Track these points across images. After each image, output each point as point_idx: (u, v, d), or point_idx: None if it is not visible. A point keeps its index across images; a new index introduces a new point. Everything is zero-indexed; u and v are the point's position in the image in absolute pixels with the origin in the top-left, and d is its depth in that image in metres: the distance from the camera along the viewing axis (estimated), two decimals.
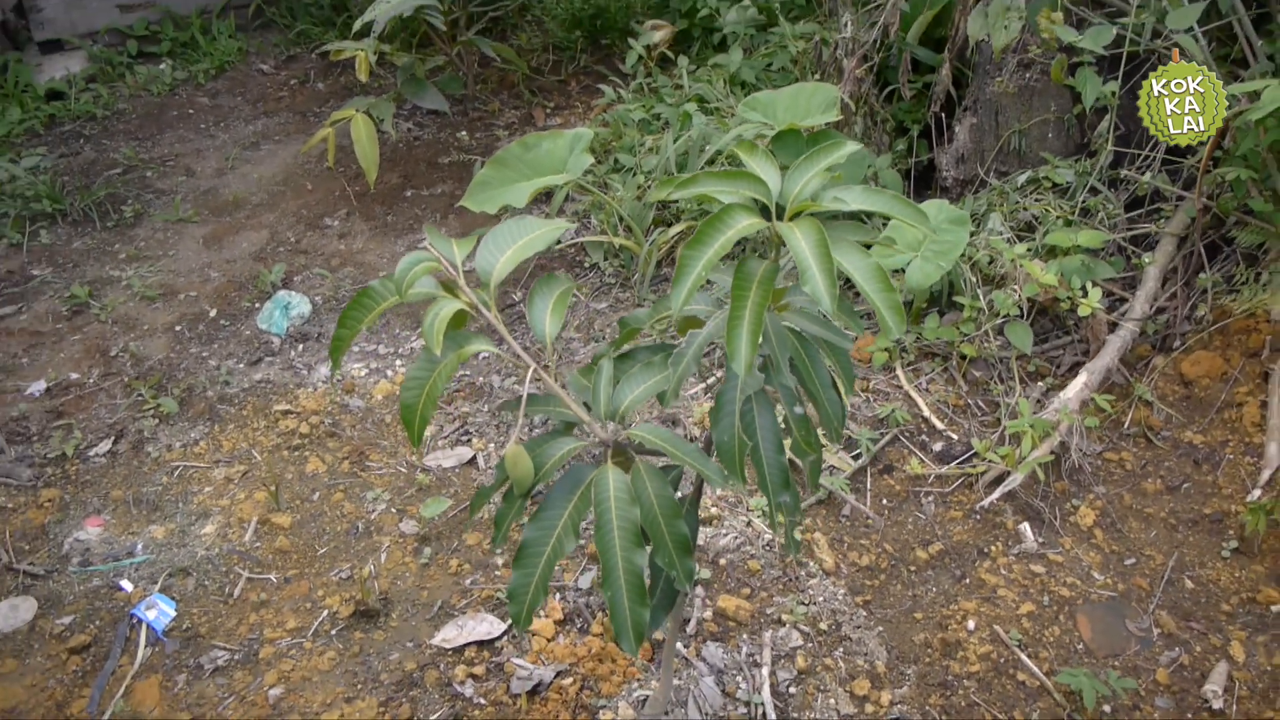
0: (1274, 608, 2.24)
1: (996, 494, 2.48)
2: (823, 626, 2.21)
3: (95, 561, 2.34)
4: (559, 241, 3.59)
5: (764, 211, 1.24)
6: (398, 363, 3.08)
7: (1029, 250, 2.75)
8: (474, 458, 2.69)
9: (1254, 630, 2.20)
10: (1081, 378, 2.59)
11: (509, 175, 3.15)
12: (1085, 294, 2.59)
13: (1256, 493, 2.49)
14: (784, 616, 2.22)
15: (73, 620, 2.19)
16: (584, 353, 3.11)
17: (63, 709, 2.00)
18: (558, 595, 2.26)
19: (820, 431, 1.42)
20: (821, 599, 2.28)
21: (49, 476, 2.60)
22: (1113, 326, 2.76)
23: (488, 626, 2.16)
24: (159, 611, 2.17)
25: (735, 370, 1.15)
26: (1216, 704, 2.03)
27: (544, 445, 1.30)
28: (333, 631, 2.16)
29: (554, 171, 3.14)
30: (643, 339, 2.70)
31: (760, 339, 1.16)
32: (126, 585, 2.26)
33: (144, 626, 2.15)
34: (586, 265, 3.51)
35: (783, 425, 1.36)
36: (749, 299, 1.18)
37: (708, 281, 1.24)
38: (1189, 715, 2.04)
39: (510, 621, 2.14)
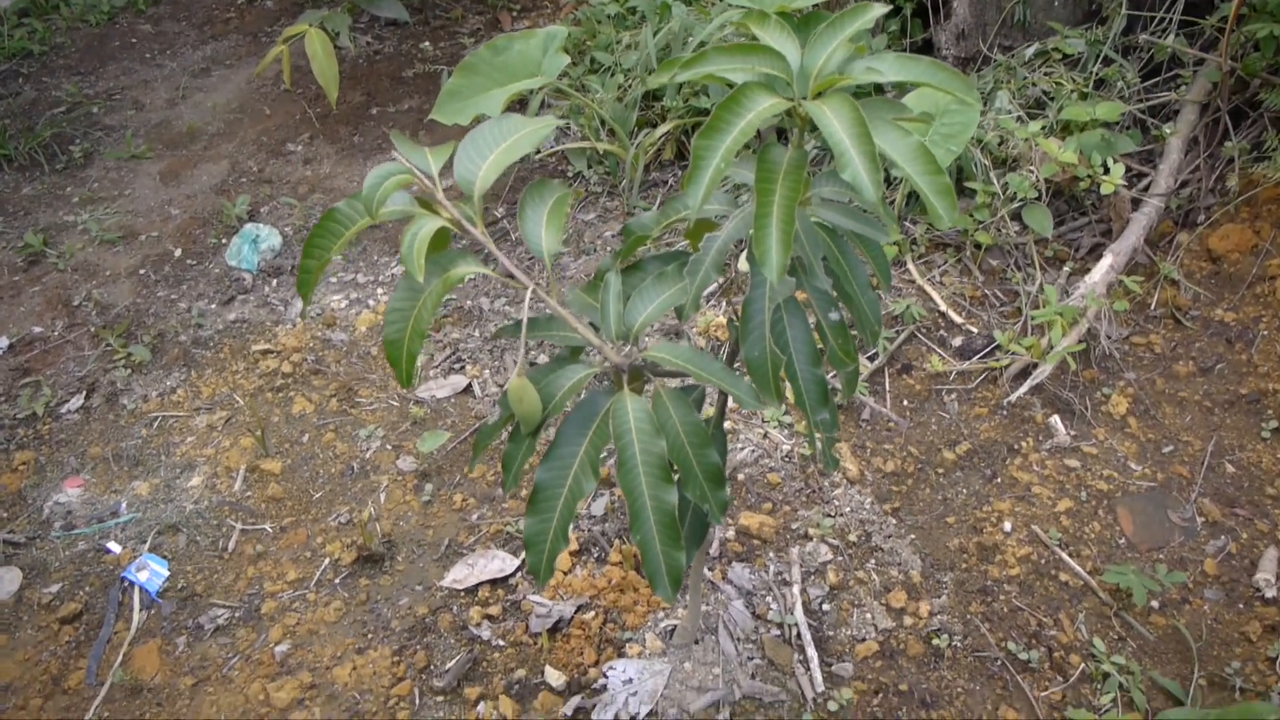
0: None
1: (1024, 388, 2.35)
2: (852, 538, 2.10)
3: (79, 524, 2.20)
4: (538, 151, 3.39)
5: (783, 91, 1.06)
6: (379, 291, 2.91)
7: (1043, 128, 2.56)
8: (469, 386, 2.55)
9: None
10: (1106, 260, 2.44)
11: (480, 83, 2.91)
12: (1106, 171, 2.42)
13: None
14: (810, 530, 2.11)
15: (61, 588, 2.07)
16: (576, 269, 2.94)
17: (59, 682, 1.89)
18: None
19: (855, 336, 1.27)
20: (848, 509, 2.17)
21: (20, 438, 2.44)
22: (1135, 204, 2.59)
23: (499, 564, 2.05)
24: (151, 572, 2.04)
25: (766, 275, 0.99)
26: (1269, 592, 1.94)
27: (550, 374, 1.15)
28: (336, 580, 2.04)
29: (528, 75, 2.90)
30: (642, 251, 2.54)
31: (792, 234, 1.00)
32: (114, 547, 2.13)
33: (136, 589, 2.03)
34: (570, 175, 3.31)
35: (814, 333, 1.21)
36: (776, 192, 1.02)
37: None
38: (1240, 605, 1.95)
39: (524, 556, 2.03)
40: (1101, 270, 2.41)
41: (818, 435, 1.23)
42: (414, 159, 1.11)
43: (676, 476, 1.13)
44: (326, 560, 2.08)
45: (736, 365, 1.25)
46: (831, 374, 2.29)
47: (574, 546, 2.09)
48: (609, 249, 2.98)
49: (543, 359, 2.61)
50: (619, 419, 1.10)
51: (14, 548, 2.15)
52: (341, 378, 2.59)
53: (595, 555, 2.08)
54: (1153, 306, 2.57)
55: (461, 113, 2.91)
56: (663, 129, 3.13)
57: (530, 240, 1.13)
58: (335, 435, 2.42)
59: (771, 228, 1.00)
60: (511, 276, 1.12)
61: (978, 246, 2.68)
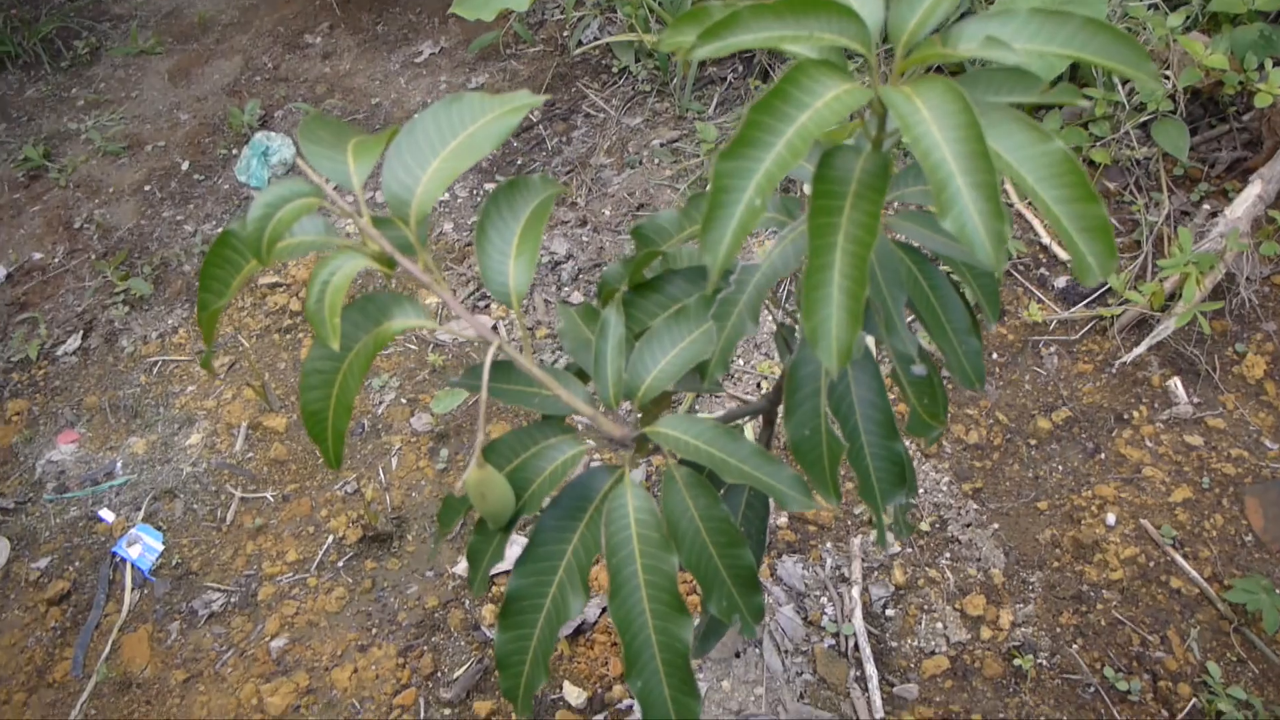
0: None
1: (1143, 346, 1.98)
2: (924, 526, 1.81)
3: (72, 486, 2.03)
4: (579, 44, 2.99)
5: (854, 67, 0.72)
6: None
7: (1186, 20, 2.09)
8: (495, 327, 2.28)
9: None
10: (1253, 188, 2.01)
11: None
12: (1264, 76, 1.96)
13: None
14: None
15: (50, 562, 1.91)
16: (618, 185, 2.60)
17: (44, 674, 1.75)
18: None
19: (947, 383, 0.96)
20: (922, 490, 1.87)
21: (15, 385, 2.26)
22: None
23: (518, 549, 1.82)
24: (143, 547, 1.87)
25: (823, 361, 0.68)
26: None
27: (528, 450, 0.87)
28: (340, 563, 1.84)
29: None
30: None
31: (864, 298, 0.68)
32: (107, 515, 1.96)
33: (128, 566, 1.86)
34: (615, 71, 2.91)
35: (890, 389, 0.90)
36: (841, 229, 0.69)
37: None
38: None
39: None
40: (1246, 202, 1.99)
41: (887, 518, 0.93)
42: (326, 167, 0.80)
43: (685, 583, 0.86)
44: (330, 538, 1.88)
45: (775, 433, 0.95)
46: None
47: None
48: (657, 162, 2.62)
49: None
50: (614, 523, 0.82)
51: (3, 514, 2.00)
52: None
53: None
54: (1248, 237, 2.14)
55: (484, 7, 2.53)
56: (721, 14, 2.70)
57: (490, 274, 0.82)
58: None
59: (832, 286, 0.68)
60: (474, 333, 0.82)
61: (1092, 165, 2.25)
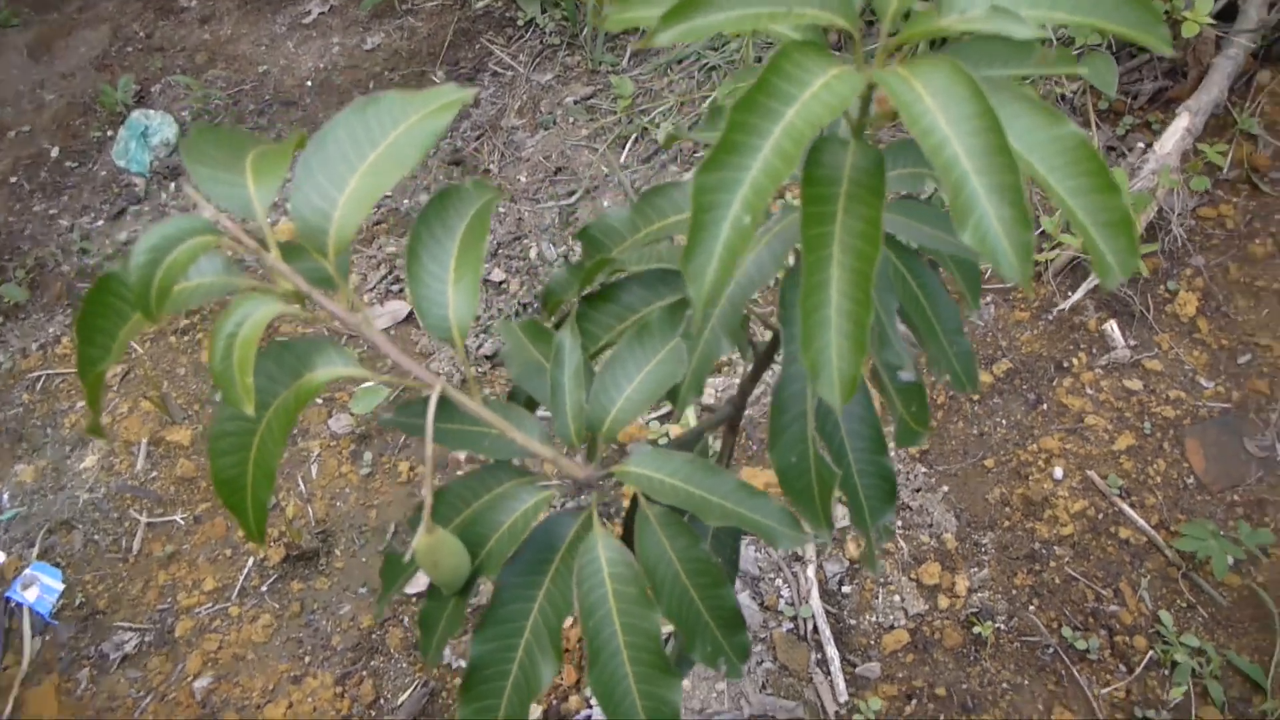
0: None
1: (1080, 293, 1.96)
2: None
3: None
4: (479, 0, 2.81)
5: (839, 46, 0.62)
6: None
7: None
8: (411, 314, 2.14)
9: None
10: (1181, 121, 1.99)
11: None
12: (1190, 4, 1.93)
13: None
14: None
15: None
16: (532, 148, 2.46)
17: None
18: None
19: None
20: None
21: None
22: (1216, 45, 2.11)
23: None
24: (41, 587, 1.71)
25: (824, 396, 0.59)
26: None
27: (480, 497, 0.76)
28: (263, 588, 1.71)
29: None
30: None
31: (869, 322, 0.59)
32: None
33: (26, 611, 1.70)
34: (520, 24, 2.75)
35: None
36: (834, 239, 0.60)
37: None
38: None
39: None
40: (1175, 135, 1.97)
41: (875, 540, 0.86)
42: (223, 194, 0.67)
43: (668, 634, 0.77)
44: (250, 561, 1.74)
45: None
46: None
47: None
48: (572, 121, 2.49)
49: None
50: (587, 581, 0.73)
51: None
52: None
53: None
54: (1225, 169, 2.14)
55: None
56: None
57: (425, 305, 0.70)
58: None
59: (829, 309, 0.59)
60: (407, 373, 0.71)
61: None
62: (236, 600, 1.69)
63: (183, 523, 1.81)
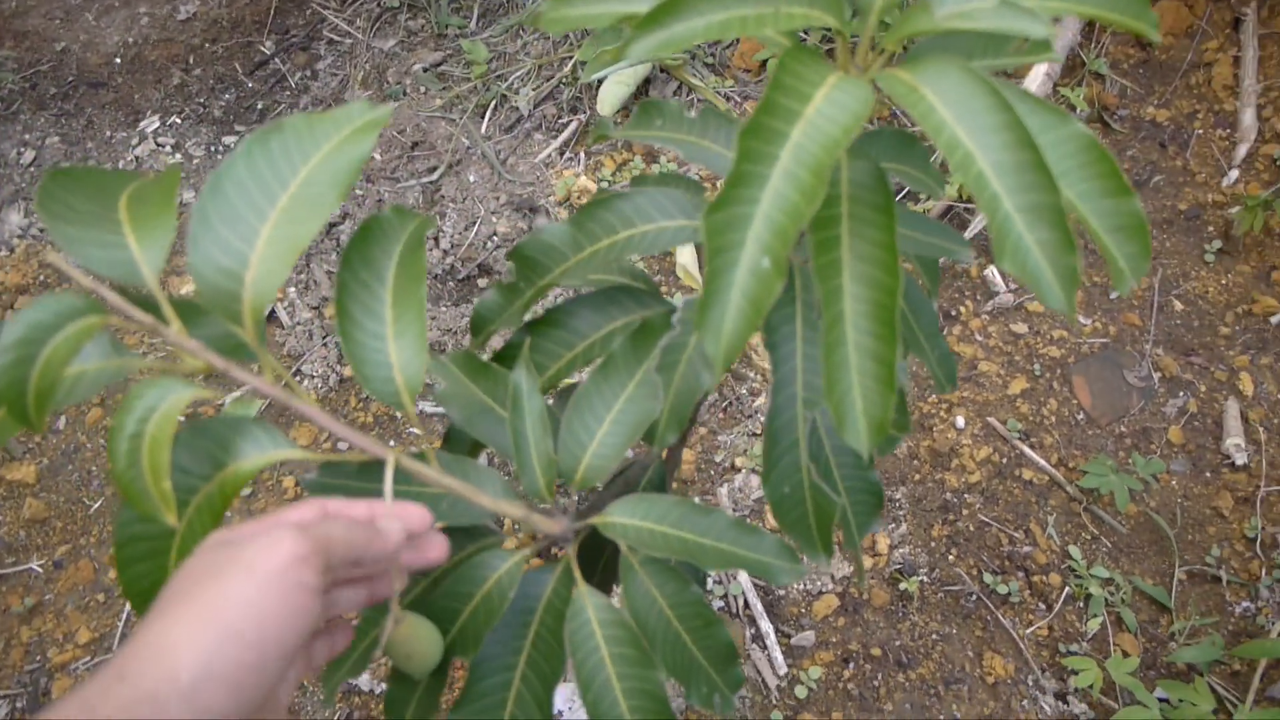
0: (1272, 319, 1.92)
1: (966, 236, 1.98)
2: None
3: None
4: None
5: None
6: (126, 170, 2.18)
7: None
8: (272, 312, 1.96)
9: (1256, 351, 1.89)
10: (1042, 66, 2.03)
11: None
12: None
13: (1233, 174, 2.10)
14: (737, 460, 1.75)
15: None
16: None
17: None
18: None
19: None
20: None
21: None
22: None
23: None
24: None
25: (853, 444, 0.53)
26: (1240, 459, 1.75)
27: (445, 569, 0.67)
28: None
29: None
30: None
31: (895, 360, 0.53)
32: None
33: None
34: None
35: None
36: (844, 267, 0.53)
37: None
38: (1208, 475, 1.76)
39: None
40: (1037, 80, 2.01)
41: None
42: (96, 256, 0.54)
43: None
44: (127, 605, 1.57)
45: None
46: None
47: None
48: (424, 90, 2.33)
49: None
50: (581, 648, 0.65)
51: None
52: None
53: None
54: (1078, 109, 2.21)
55: None
56: None
57: (366, 370, 0.60)
58: (104, 409, 1.82)
59: (847, 347, 0.53)
60: (357, 447, 0.60)
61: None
62: (119, 648, 1.51)
63: (41, 570, 1.61)
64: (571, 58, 2.31)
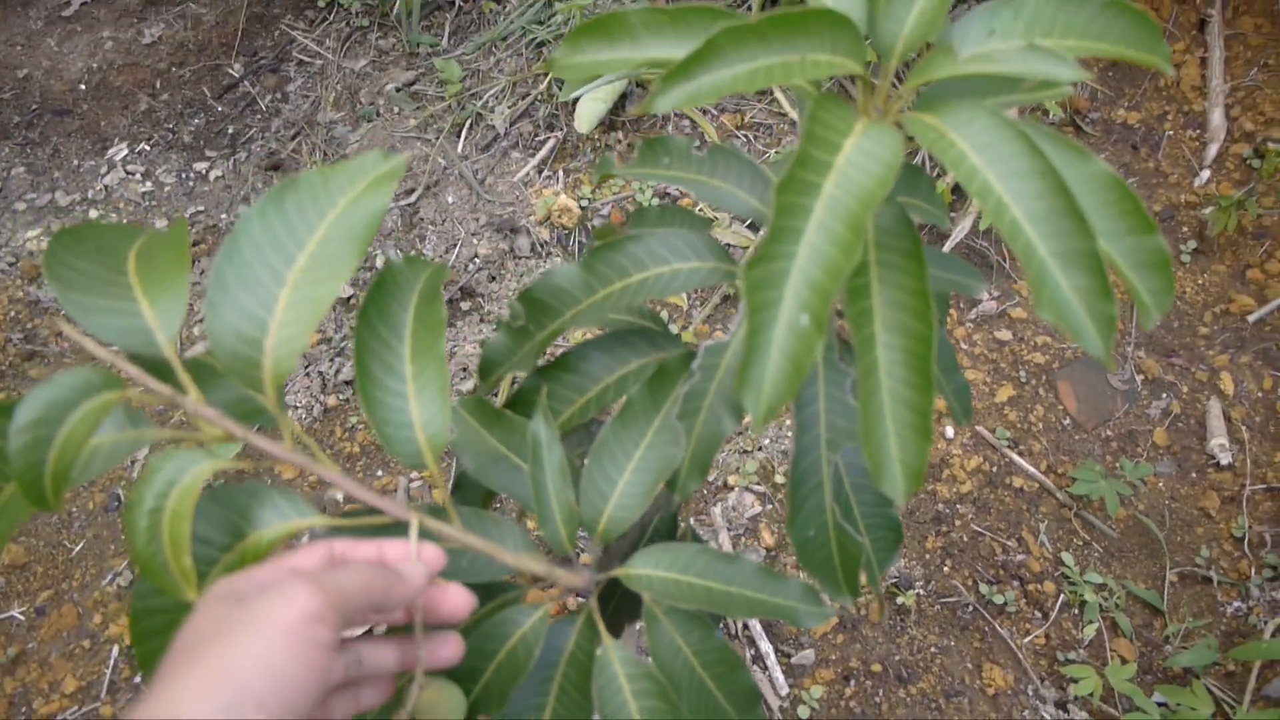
0: (1249, 317, 1.95)
1: (946, 248, 1.99)
2: (779, 479, 1.75)
3: None
4: None
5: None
6: (92, 213, 2.14)
7: None
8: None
9: (1235, 350, 1.92)
10: None
11: None
12: None
13: (1205, 174, 2.13)
14: (729, 479, 1.74)
15: None
16: (356, 143, 2.26)
17: None
18: None
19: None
20: (766, 439, 1.81)
21: None
22: None
23: None
24: None
25: (889, 493, 0.52)
26: (1224, 459, 1.77)
27: (473, 628, 0.66)
28: (137, 678, 1.51)
29: None
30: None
31: (931, 409, 0.52)
32: None
33: None
34: (322, 5, 2.51)
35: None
36: (875, 316, 0.53)
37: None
38: (1194, 475, 1.78)
39: None
40: None
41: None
42: (108, 324, 0.52)
43: None
44: (114, 649, 1.54)
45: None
46: None
47: None
48: (397, 110, 2.30)
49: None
50: (609, 702, 0.64)
51: None
52: (70, 357, 1.90)
53: None
54: (1051, 114, 2.23)
55: None
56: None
57: (387, 431, 0.58)
58: None
59: (882, 395, 0.52)
60: (378, 510, 0.58)
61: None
62: (107, 698, 1.48)
63: (23, 618, 1.57)
64: (547, 74, 2.30)
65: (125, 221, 2.13)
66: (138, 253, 0.57)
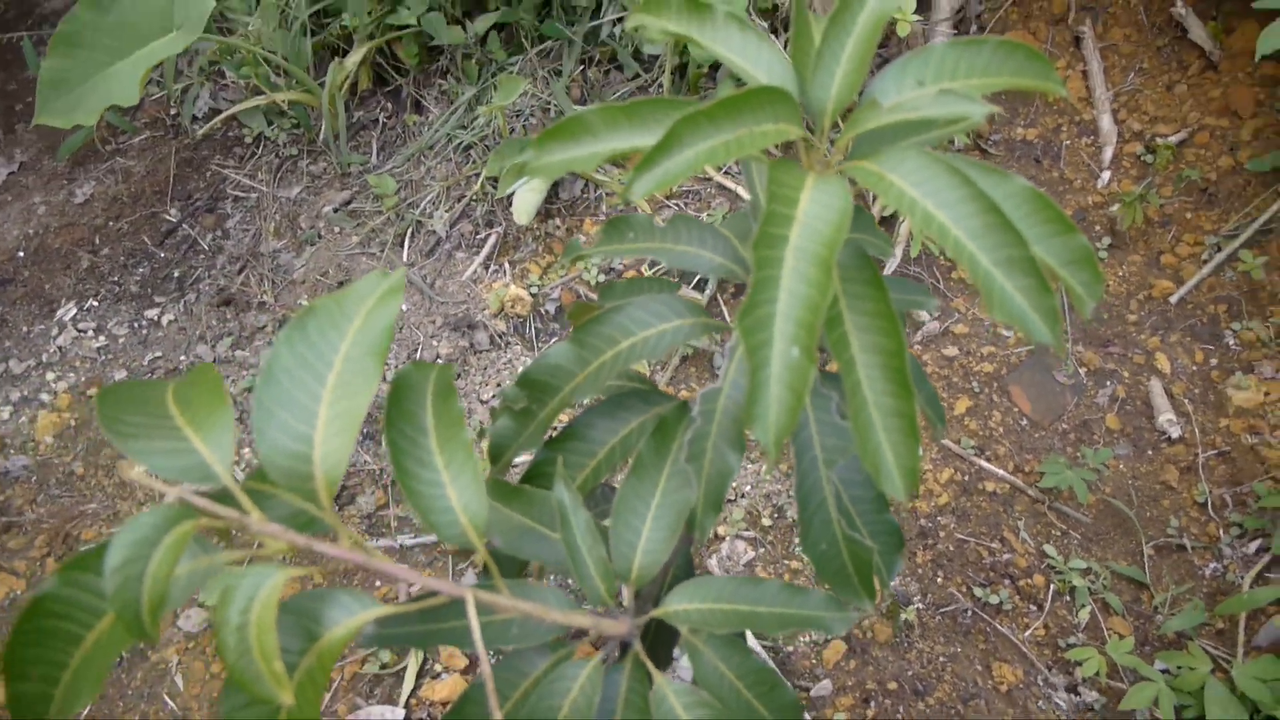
0: (1171, 299, 2.08)
1: (887, 271, 2.09)
2: (765, 521, 1.81)
3: None
4: (175, 113, 2.61)
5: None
6: (49, 376, 2.15)
7: None
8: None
9: (1164, 330, 2.04)
10: None
11: (92, 58, 2.12)
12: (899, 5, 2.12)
13: (1105, 175, 2.28)
14: (720, 530, 1.80)
15: None
16: (302, 270, 2.31)
17: None
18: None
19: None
20: (748, 486, 1.87)
21: None
22: (926, 39, 2.33)
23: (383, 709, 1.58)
24: None
25: (890, 493, 0.59)
26: (1174, 432, 1.87)
27: (520, 684, 0.70)
28: None
29: (161, 31, 2.15)
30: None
31: (914, 411, 0.59)
32: None
33: None
34: (249, 142, 2.58)
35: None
36: (850, 341, 0.60)
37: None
38: (1150, 453, 1.88)
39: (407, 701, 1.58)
40: None
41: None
42: (169, 463, 0.57)
43: None
44: None
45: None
46: None
47: (462, 665, 1.65)
48: (338, 230, 2.37)
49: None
50: None
51: None
52: (48, 523, 1.89)
53: None
54: (957, 140, 2.37)
55: (78, 107, 2.12)
56: (355, 57, 2.47)
57: (434, 518, 0.63)
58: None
59: (869, 409, 0.59)
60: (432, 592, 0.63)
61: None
62: None
63: None
64: (478, 175, 2.38)
65: (83, 379, 2.14)
66: (175, 399, 0.62)
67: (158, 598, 0.52)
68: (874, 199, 2.11)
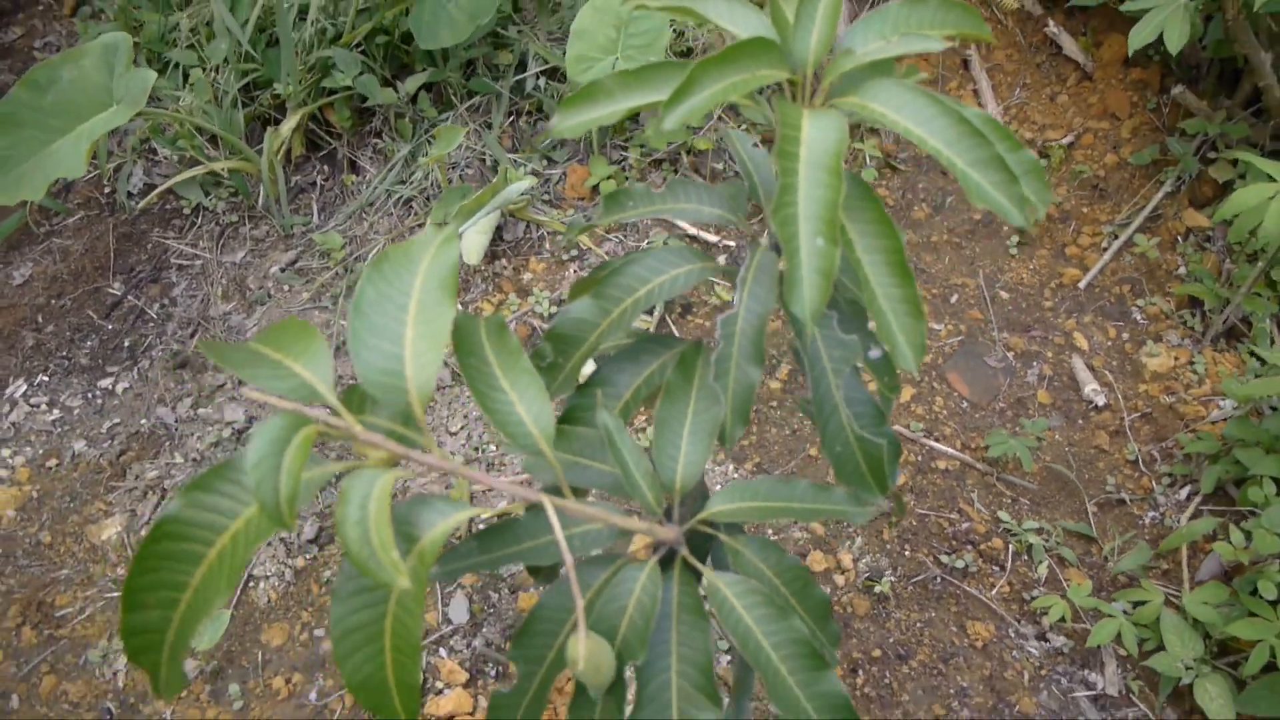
0: (1080, 284, 2.27)
1: None
2: None
3: None
4: (110, 190, 2.63)
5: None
6: (5, 452, 2.12)
7: None
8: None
9: (1078, 312, 2.22)
10: None
11: (35, 136, 2.15)
12: None
13: None
14: None
15: None
16: (254, 326, 2.35)
17: None
18: (443, 650, 1.72)
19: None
20: (717, 486, 1.95)
21: None
22: None
23: None
24: None
25: (904, 367, 0.69)
26: (1100, 400, 2.04)
27: (590, 586, 0.77)
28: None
29: (101, 107, 2.19)
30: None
31: (916, 294, 0.70)
32: None
33: None
34: (187, 213, 2.62)
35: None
36: (855, 245, 0.70)
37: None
38: (1081, 422, 2.03)
39: None
40: None
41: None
42: (278, 387, 0.64)
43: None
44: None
45: None
46: None
47: (463, 678, 1.68)
48: (287, 289, 2.41)
49: None
50: (726, 614, 0.76)
51: None
52: (19, 593, 1.86)
53: (490, 678, 1.69)
54: (870, 156, 2.55)
55: (20, 184, 2.14)
56: (289, 123, 2.54)
57: (504, 424, 0.71)
58: (56, 675, 1.74)
59: (879, 300, 0.69)
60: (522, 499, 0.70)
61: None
62: None
63: None
64: (421, 224, 2.46)
65: (40, 451, 2.12)
66: (266, 343, 0.69)
67: (293, 489, 0.58)
68: None
